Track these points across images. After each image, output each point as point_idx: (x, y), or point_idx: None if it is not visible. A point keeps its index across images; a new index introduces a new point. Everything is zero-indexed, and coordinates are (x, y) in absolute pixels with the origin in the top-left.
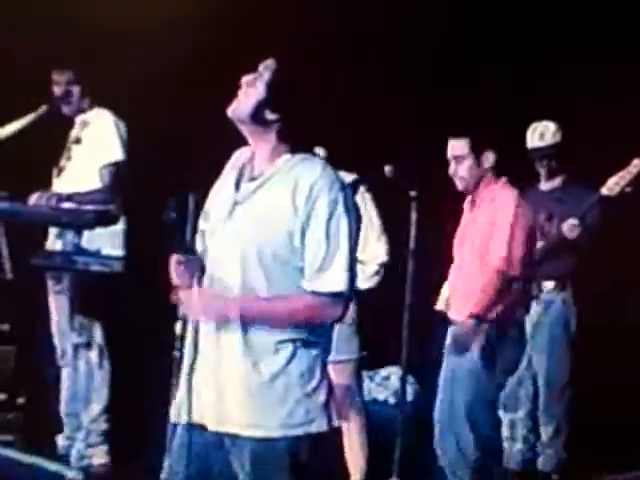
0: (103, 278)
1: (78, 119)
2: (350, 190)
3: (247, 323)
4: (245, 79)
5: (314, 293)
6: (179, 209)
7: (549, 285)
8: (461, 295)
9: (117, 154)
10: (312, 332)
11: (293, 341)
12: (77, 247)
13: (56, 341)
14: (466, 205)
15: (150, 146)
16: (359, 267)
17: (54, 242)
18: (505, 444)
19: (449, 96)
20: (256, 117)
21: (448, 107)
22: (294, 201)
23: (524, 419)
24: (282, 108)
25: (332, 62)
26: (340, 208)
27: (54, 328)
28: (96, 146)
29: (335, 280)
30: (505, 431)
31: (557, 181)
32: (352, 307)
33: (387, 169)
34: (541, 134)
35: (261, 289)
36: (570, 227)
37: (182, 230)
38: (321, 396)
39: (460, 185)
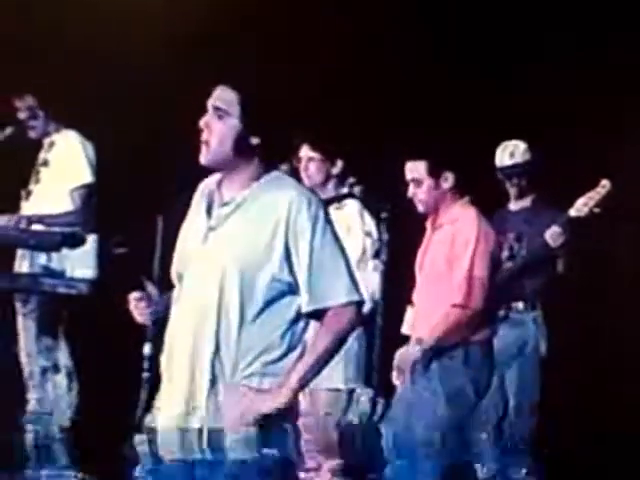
0: (71, 300)
1: (46, 141)
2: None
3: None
4: (204, 121)
5: (335, 307)
6: None
7: (519, 305)
8: (424, 318)
9: (86, 177)
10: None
11: (262, 374)
12: (45, 269)
13: (23, 363)
14: (428, 225)
15: (120, 167)
16: None
17: (21, 264)
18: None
19: (410, 118)
20: (241, 148)
21: (409, 128)
22: (273, 219)
23: (492, 438)
24: (263, 130)
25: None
26: (322, 221)
27: (22, 350)
28: (63, 168)
29: (345, 290)
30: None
31: (527, 201)
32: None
33: (356, 190)
34: (511, 153)
35: (235, 314)
36: (554, 234)
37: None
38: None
39: (420, 207)
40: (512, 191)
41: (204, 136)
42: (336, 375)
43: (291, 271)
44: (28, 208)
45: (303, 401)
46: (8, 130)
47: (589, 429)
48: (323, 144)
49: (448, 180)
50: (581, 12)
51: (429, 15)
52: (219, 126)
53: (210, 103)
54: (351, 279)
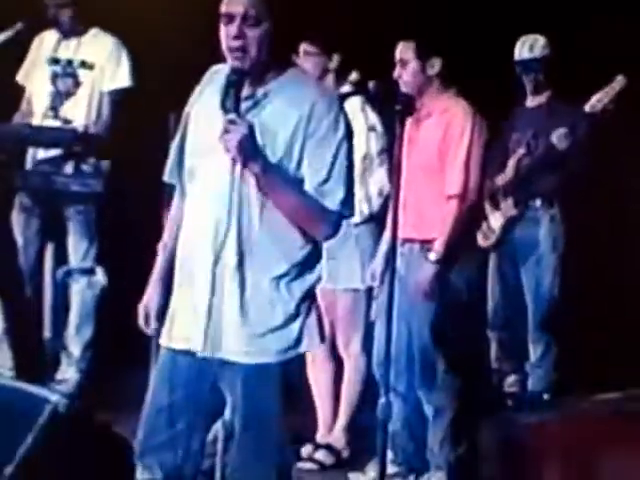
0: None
1: (71, 41)
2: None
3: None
4: (236, 29)
5: (317, 202)
6: None
7: (536, 203)
8: (413, 213)
9: (124, 80)
10: (305, 262)
11: (287, 274)
12: (57, 168)
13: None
14: (411, 122)
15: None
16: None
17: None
18: (495, 364)
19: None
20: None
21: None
22: (294, 116)
23: (513, 338)
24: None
25: None
26: (341, 128)
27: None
28: (106, 71)
29: (334, 198)
30: (494, 351)
31: (543, 96)
32: (365, 237)
33: (370, 84)
34: (530, 46)
35: (256, 204)
36: (560, 137)
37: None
38: (312, 317)
39: (404, 88)
40: (529, 86)
41: (239, 43)
42: (354, 275)
43: (299, 166)
44: (69, 109)
45: (323, 302)
46: (18, 26)
47: (609, 328)
48: (319, 37)
49: (434, 67)
50: None
51: None
52: (256, 33)
53: (237, 11)
54: (347, 192)
